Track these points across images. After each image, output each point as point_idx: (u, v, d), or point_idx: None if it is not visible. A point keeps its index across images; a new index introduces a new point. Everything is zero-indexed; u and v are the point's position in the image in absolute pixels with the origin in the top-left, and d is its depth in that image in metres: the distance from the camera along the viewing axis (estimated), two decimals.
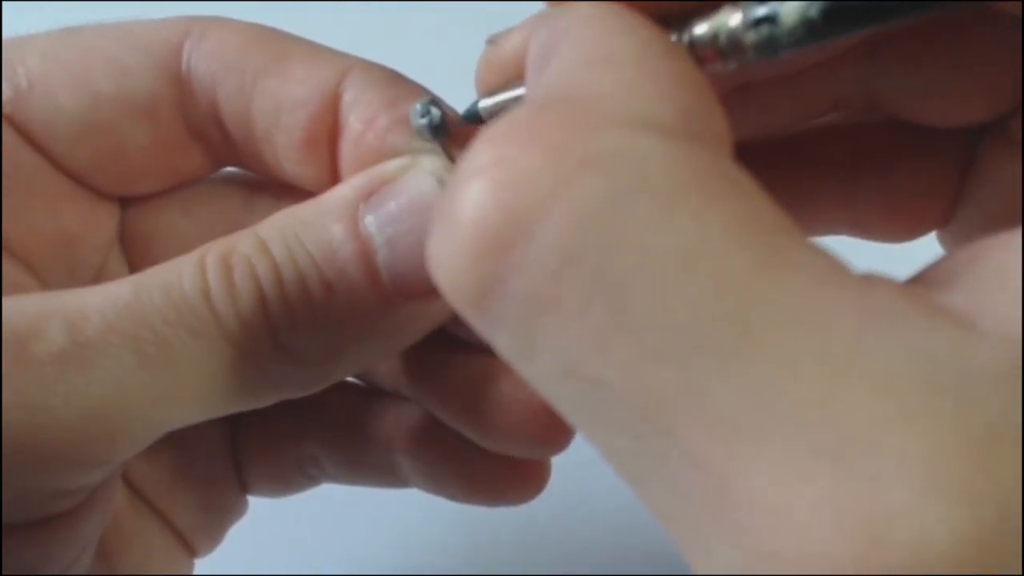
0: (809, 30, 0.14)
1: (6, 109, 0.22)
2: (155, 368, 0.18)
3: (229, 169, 0.25)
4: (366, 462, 0.26)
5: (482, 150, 0.12)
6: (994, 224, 0.22)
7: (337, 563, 0.34)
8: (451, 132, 0.21)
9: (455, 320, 0.22)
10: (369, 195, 0.20)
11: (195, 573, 0.27)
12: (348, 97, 0.21)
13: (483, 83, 0.20)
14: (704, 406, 0.11)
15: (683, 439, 0.11)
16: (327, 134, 0.22)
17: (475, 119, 0.20)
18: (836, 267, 0.12)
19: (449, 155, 0.21)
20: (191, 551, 0.26)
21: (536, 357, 0.12)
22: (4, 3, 0.34)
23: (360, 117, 0.21)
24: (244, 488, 0.27)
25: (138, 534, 0.25)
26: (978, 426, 0.10)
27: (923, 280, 0.13)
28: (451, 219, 0.12)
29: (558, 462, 0.24)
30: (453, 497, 0.26)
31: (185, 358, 0.18)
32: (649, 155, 0.12)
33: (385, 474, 0.26)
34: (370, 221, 0.20)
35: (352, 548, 0.34)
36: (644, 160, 0.12)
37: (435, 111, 0.21)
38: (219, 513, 0.27)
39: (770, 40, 0.14)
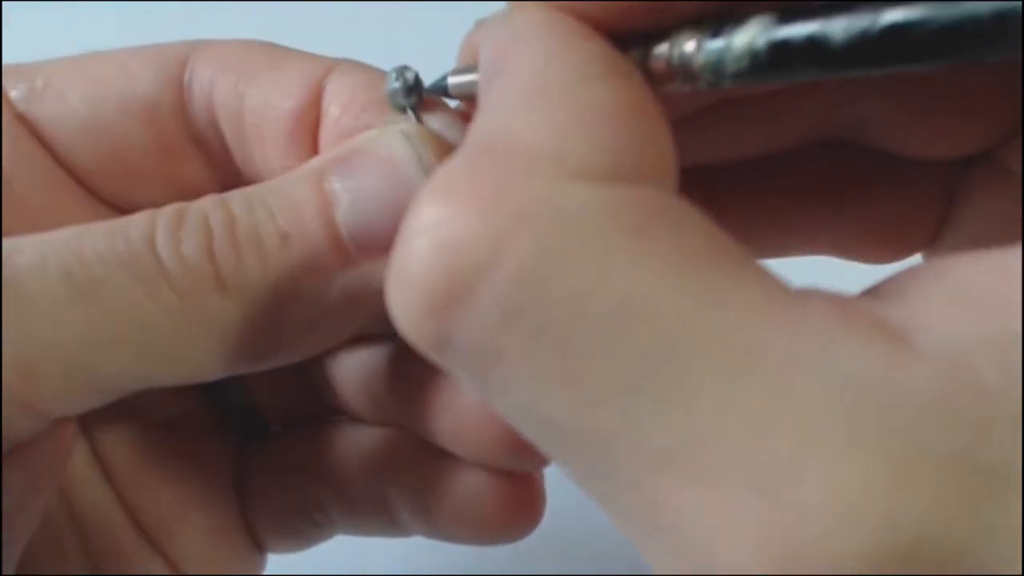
0: (754, 63, 0.14)
1: (20, 107, 0.22)
2: (89, 306, 0.17)
3: None
4: (364, 501, 0.26)
5: (424, 206, 0.13)
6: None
7: (337, 563, 0.34)
8: (424, 98, 0.21)
9: None
10: (338, 163, 0.20)
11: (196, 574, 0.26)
12: (330, 88, 0.22)
13: (463, 62, 0.20)
14: (643, 442, 0.12)
15: (626, 470, 0.12)
16: (311, 126, 0.22)
17: (443, 92, 0.20)
18: (771, 297, 0.12)
19: (420, 121, 0.21)
20: None
21: (492, 398, 0.13)
22: (4, 3, 0.35)
23: (338, 102, 0.21)
24: (257, 543, 0.27)
25: (140, 569, 0.24)
26: (901, 453, 0.11)
27: (877, 291, 0.14)
28: (401, 275, 0.13)
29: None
30: (446, 532, 0.25)
31: (122, 299, 0.18)
32: (579, 206, 0.12)
33: (382, 515, 0.26)
34: (335, 180, 0.20)
35: (352, 548, 0.33)
36: (574, 212, 0.12)
37: (409, 73, 0.21)
38: (226, 563, 0.26)
39: (717, 66, 0.14)
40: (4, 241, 0.18)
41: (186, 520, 0.25)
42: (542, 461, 0.23)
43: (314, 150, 0.22)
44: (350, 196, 0.19)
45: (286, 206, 0.19)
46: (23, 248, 0.18)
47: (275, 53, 0.22)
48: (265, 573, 0.27)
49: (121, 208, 0.24)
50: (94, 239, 0.18)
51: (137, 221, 0.19)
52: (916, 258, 0.23)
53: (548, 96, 0.13)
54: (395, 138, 0.20)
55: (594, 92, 0.13)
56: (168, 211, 0.19)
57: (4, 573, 0.20)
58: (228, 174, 0.24)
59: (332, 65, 0.22)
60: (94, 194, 0.23)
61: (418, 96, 0.21)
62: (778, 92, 0.20)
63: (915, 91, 0.19)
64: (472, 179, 0.13)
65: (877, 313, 0.12)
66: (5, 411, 0.17)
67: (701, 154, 0.21)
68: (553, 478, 0.23)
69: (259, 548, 0.27)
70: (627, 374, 0.12)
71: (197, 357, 0.19)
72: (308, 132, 0.22)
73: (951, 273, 0.13)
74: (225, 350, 0.19)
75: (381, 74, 0.22)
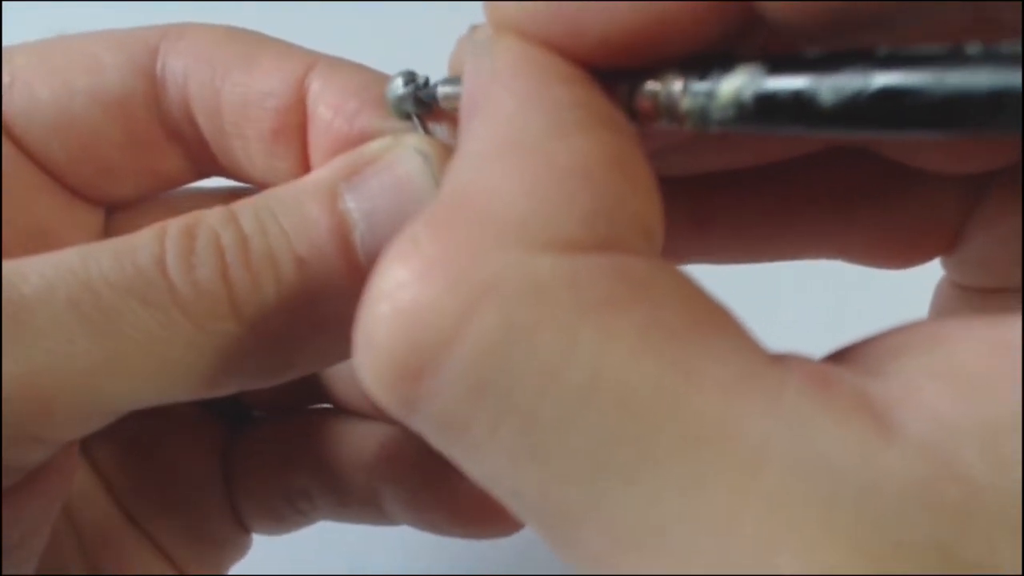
0: (740, 113, 0.13)
1: None
2: (99, 335, 0.17)
3: (216, 180, 0.24)
4: (353, 493, 0.26)
5: (389, 269, 0.12)
6: (996, 267, 0.21)
7: (337, 563, 0.34)
8: (432, 106, 0.20)
9: None
10: (350, 176, 0.19)
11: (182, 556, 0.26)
12: (315, 87, 0.21)
13: (455, 69, 0.19)
14: (608, 521, 0.11)
15: (593, 548, 0.12)
16: (296, 125, 0.21)
17: (431, 98, 0.20)
18: (746, 371, 0.12)
19: (427, 130, 0.20)
20: None
21: (462, 465, 0.13)
22: (4, 3, 0.34)
23: (328, 104, 0.20)
24: (242, 524, 0.27)
25: (133, 559, 0.25)
26: (877, 544, 0.10)
27: (862, 355, 0.13)
28: (366, 339, 0.12)
29: None
30: (436, 526, 0.25)
31: (133, 327, 0.17)
32: (547, 279, 0.12)
33: (370, 506, 0.26)
34: (349, 199, 0.19)
35: (352, 547, 0.34)
36: (542, 286, 0.12)
37: (419, 79, 0.20)
38: (213, 545, 0.26)
39: (702, 113, 0.13)
40: (6, 265, 0.17)
41: (172, 506, 0.25)
42: None
43: (302, 149, 0.21)
44: (367, 219, 0.19)
45: (299, 225, 0.19)
46: (28, 275, 0.17)
47: (250, 44, 0.22)
48: (265, 573, 0.27)
49: (97, 202, 0.23)
50: (101, 263, 0.17)
51: (145, 242, 0.18)
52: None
53: (521, 151, 0.13)
54: (411, 157, 0.19)
55: (569, 147, 0.13)
56: (176, 231, 0.18)
57: None
58: (205, 164, 0.23)
59: (312, 61, 0.21)
60: (69, 189, 0.23)
61: (427, 106, 0.20)
62: None
63: None
64: (440, 244, 0.12)
65: (859, 387, 0.12)
66: (19, 443, 0.17)
67: (718, 160, 0.21)
68: None
69: (244, 530, 0.27)
70: (594, 453, 0.11)
71: (209, 380, 0.19)
72: (293, 131, 0.21)
73: (944, 343, 0.12)
74: (239, 372, 0.19)
75: (368, 73, 0.21)
